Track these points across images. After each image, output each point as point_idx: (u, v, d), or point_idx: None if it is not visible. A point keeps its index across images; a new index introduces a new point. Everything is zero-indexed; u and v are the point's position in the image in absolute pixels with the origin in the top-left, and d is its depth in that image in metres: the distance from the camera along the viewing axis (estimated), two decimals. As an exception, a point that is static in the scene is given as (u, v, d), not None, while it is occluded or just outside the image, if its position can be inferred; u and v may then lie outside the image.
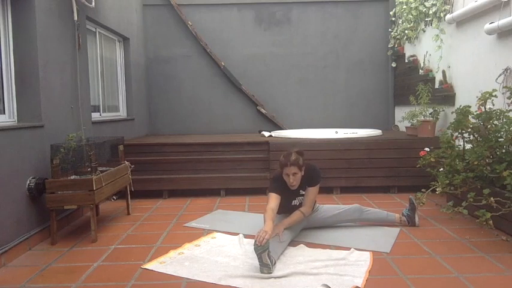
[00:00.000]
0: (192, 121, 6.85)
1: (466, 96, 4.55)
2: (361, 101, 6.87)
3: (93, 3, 4.50)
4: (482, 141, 3.47)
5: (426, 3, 5.38)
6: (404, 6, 5.92)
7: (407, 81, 6.17)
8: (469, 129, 3.64)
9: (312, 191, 3.25)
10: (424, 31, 5.65)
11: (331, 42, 6.82)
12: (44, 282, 2.58)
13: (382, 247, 3.04)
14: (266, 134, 5.87)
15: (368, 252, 2.92)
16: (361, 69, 6.84)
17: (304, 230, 3.42)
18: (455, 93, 4.82)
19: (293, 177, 3.10)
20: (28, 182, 3.25)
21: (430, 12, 5.29)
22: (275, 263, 2.69)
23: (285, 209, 3.22)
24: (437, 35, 5.08)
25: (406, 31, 6.01)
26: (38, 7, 3.47)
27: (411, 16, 5.78)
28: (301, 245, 3.12)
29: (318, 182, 3.26)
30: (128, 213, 4.21)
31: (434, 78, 5.33)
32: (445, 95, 4.95)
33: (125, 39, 5.93)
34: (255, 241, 2.59)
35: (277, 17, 6.79)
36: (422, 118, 5.11)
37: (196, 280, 2.55)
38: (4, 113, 3.34)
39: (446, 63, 5.03)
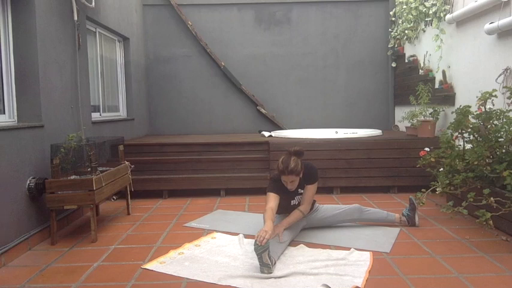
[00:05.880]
0: (192, 121, 6.85)
1: (466, 96, 4.55)
2: (361, 101, 6.87)
3: (93, 3, 4.50)
4: (482, 141, 3.47)
5: (426, 3, 5.39)
6: (404, 6, 5.92)
7: (407, 81, 6.17)
8: (469, 129, 3.64)
9: (310, 189, 3.25)
10: (424, 31, 5.65)
11: (331, 42, 6.82)
12: (44, 282, 2.58)
13: (382, 247, 3.04)
14: (266, 134, 5.88)
15: (368, 252, 2.92)
16: (361, 69, 6.84)
17: (304, 230, 3.42)
18: (455, 93, 4.83)
19: (291, 184, 3.12)
20: (28, 182, 3.25)
21: (430, 12, 5.29)
22: (275, 263, 2.70)
23: (284, 208, 3.22)
24: (437, 35, 5.08)
25: (406, 31, 6.01)
26: (38, 7, 3.47)
27: (411, 16, 5.78)
28: (301, 245, 3.12)
29: (315, 180, 3.27)
30: (128, 213, 4.21)
31: (434, 78, 5.33)
32: (445, 95, 4.96)
33: (124, 39, 5.93)
34: (255, 241, 2.59)
35: (277, 17, 6.79)
36: (422, 118, 5.11)
37: (196, 280, 2.55)
38: (4, 113, 3.34)
39: (446, 63, 5.03)
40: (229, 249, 3.08)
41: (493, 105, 3.65)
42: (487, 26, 3.97)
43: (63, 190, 3.29)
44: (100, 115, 5.11)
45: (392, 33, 6.52)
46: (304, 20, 6.79)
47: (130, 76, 6.01)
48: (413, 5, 5.67)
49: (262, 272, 2.58)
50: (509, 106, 3.64)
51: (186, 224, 3.78)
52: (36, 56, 3.44)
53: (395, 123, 6.71)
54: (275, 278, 2.52)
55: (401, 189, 4.88)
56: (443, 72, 5.03)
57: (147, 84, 6.80)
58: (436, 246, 3.05)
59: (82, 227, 3.79)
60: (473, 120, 3.65)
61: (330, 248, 3.06)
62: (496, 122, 3.49)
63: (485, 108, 3.59)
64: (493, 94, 3.57)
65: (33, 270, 2.77)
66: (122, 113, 5.94)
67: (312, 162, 3.37)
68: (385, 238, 3.24)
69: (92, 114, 4.68)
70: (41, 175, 3.40)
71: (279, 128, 6.69)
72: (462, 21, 4.64)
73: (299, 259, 2.83)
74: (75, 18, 4.10)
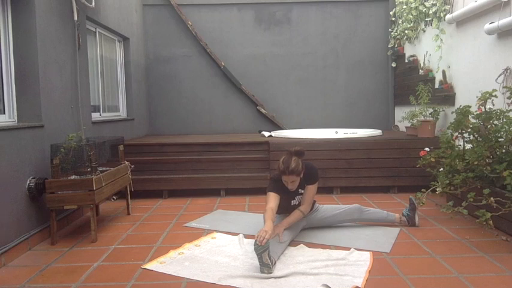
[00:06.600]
0: (192, 121, 6.85)
1: (466, 96, 4.55)
2: (361, 101, 6.87)
3: (93, 3, 4.50)
4: (482, 141, 3.47)
5: (426, 3, 5.39)
6: (404, 6, 5.92)
7: (407, 81, 6.17)
8: (469, 129, 3.64)
9: (311, 189, 3.25)
10: (424, 31, 5.65)
11: (331, 42, 6.82)
12: (44, 282, 2.58)
13: (382, 247, 3.04)
14: (266, 134, 5.88)
15: (368, 252, 2.92)
16: (361, 69, 6.84)
17: (304, 230, 3.42)
18: (455, 93, 4.82)
19: (291, 184, 3.11)
20: (28, 182, 3.25)
21: (430, 12, 5.29)
22: (275, 263, 2.70)
23: (284, 208, 3.22)
24: (437, 35, 5.08)
25: (406, 31, 6.01)
26: (38, 7, 3.47)
27: (411, 16, 5.78)
28: (301, 245, 3.12)
29: (316, 180, 3.27)
30: (128, 213, 4.21)
31: (434, 78, 5.33)
32: (445, 95, 4.96)
33: (124, 39, 5.93)
34: (255, 241, 2.59)
35: (277, 17, 6.79)
36: (422, 118, 5.11)
37: (196, 280, 2.55)
38: (4, 113, 3.34)
39: (446, 63, 5.03)
40: (229, 249, 3.08)
41: (493, 105, 3.65)
42: (487, 26, 3.97)
43: (63, 190, 3.29)
44: (100, 115, 5.11)
45: (392, 33, 6.52)
46: (304, 20, 6.79)
47: (130, 76, 6.01)
48: (413, 5, 5.67)
49: (262, 272, 2.58)
50: (509, 106, 3.64)
51: (186, 224, 3.78)
52: (36, 56, 3.44)
53: (395, 123, 6.71)
54: (275, 278, 2.52)
55: (401, 189, 4.88)
56: (443, 72, 5.03)
57: (147, 84, 6.80)
58: (436, 246, 3.05)
59: (82, 227, 3.79)
60: (473, 120, 3.65)
61: (330, 248, 3.06)
62: (496, 122, 3.49)
63: (485, 108, 3.59)
64: (493, 94, 3.57)
65: (33, 270, 2.77)
66: (122, 113, 5.94)
67: (312, 162, 3.37)
68: (385, 238, 3.24)
69: (92, 114, 4.68)
70: (41, 175, 3.40)
71: (279, 128, 6.69)
72: (462, 21, 4.64)
73: (299, 259, 2.83)
74: (75, 18, 4.10)
